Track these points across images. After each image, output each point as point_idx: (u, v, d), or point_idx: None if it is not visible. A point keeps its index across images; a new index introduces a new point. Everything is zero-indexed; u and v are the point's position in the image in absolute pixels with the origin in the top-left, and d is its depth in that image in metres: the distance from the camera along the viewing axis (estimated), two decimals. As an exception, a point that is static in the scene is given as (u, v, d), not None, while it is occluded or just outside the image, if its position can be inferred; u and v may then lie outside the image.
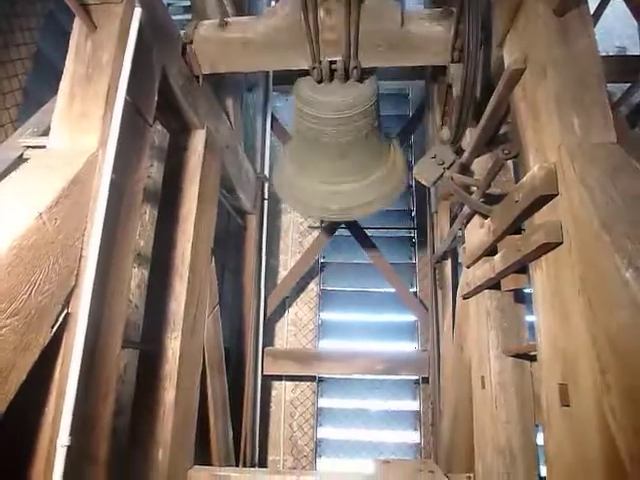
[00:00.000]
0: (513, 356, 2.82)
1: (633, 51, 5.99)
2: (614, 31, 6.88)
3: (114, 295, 2.23)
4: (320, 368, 5.57)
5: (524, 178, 2.08)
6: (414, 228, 6.16)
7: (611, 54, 6.65)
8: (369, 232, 5.94)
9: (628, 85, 3.21)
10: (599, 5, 3.08)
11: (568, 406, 1.80)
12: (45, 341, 1.78)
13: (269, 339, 5.83)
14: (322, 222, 6.12)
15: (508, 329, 2.93)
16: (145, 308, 3.21)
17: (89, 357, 1.98)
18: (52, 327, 1.82)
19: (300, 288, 6.08)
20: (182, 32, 3.20)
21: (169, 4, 5.87)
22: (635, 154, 2.85)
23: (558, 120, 1.93)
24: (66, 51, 2.34)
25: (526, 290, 2.78)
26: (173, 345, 3.00)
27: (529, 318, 2.82)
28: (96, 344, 2.10)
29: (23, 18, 3.85)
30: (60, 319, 1.87)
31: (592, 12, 2.91)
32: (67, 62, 2.29)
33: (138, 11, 2.33)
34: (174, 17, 4.86)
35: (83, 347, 1.91)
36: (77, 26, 2.32)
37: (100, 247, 1.99)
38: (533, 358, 2.72)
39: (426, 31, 3.01)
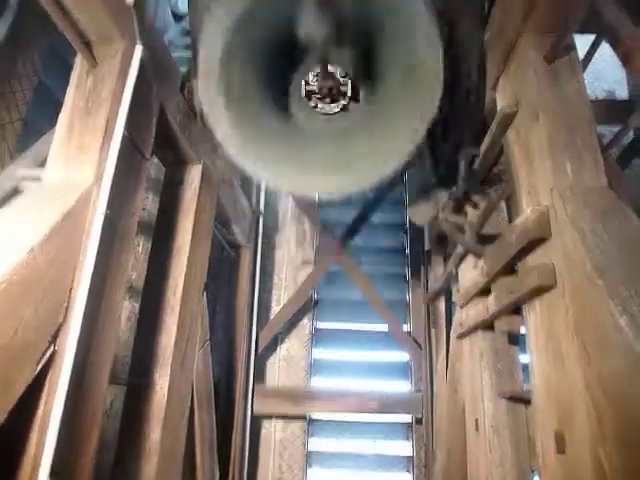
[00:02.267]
0: (507, 399, 2.78)
1: (621, 95, 6.16)
2: (603, 75, 7.08)
3: (103, 330, 2.20)
4: (311, 407, 5.45)
5: (517, 220, 2.09)
6: (408, 265, 6.16)
7: (600, 98, 6.84)
8: (362, 268, 5.93)
9: (617, 126, 3.29)
10: (588, 51, 3.18)
11: (564, 453, 1.76)
12: (29, 379, 1.74)
13: (260, 375, 5.72)
14: (316, 256, 6.11)
15: (502, 371, 2.89)
16: (135, 341, 3.16)
17: (74, 394, 1.93)
18: (37, 364, 1.78)
19: (292, 324, 6.01)
20: (182, 68, 3.27)
21: (170, 42, 6.01)
22: (625, 196, 2.90)
23: (551, 163, 1.96)
24: (67, 83, 2.37)
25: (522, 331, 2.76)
26: (162, 381, 2.94)
27: (523, 358, 2.79)
28: (82, 381, 2.05)
29: (26, 51, 3.91)
30: (46, 356, 1.83)
31: (581, 57, 3.03)
32: (67, 96, 2.32)
33: (139, 48, 2.38)
34: (175, 54, 4.99)
35: (68, 384, 1.86)
36: (79, 61, 2.37)
37: (91, 281, 1.97)
38: (528, 401, 2.67)
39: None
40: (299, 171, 1.98)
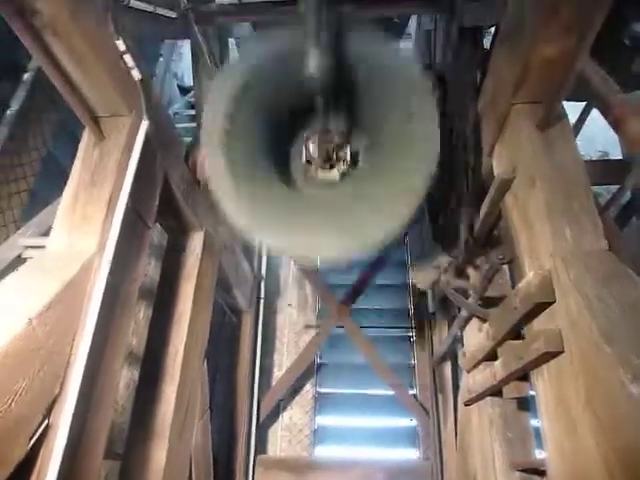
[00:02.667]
0: (521, 470, 2.65)
1: (614, 155, 6.31)
2: (596, 137, 7.30)
3: (100, 402, 2.14)
4: (315, 479, 5.21)
5: (520, 284, 2.08)
6: (412, 327, 6.08)
7: (594, 159, 7.01)
8: (366, 331, 5.85)
9: (612, 185, 3.34)
10: (579, 117, 3.29)
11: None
12: (21, 455, 1.67)
13: (261, 445, 5.51)
14: (318, 320, 6.05)
15: (513, 440, 2.78)
16: (132, 411, 3.07)
17: (67, 470, 1.86)
18: (30, 439, 1.71)
19: (295, 390, 5.85)
20: (186, 139, 3.38)
21: (175, 113, 6.26)
22: (626, 256, 2.90)
23: (550, 228, 1.97)
24: (74, 155, 2.44)
25: (531, 392, 2.68)
26: (159, 455, 2.83)
27: (534, 422, 2.69)
28: (76, 455, 1.97)
29: (37, 125, 4.06)
30: (39, 430, 1.77)
31: (573, 123, 3.12)
32: (74, 168, 2.38)
33: (145, 123, 2.47)
34: (181, 125, 5.18)
35: (61, 460, 1.79)
36: (86, 135, 2.44)
37: (89, 352, 1.94)
38: (542, 472, 2.55)
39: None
40: (301, 236, 2.01)
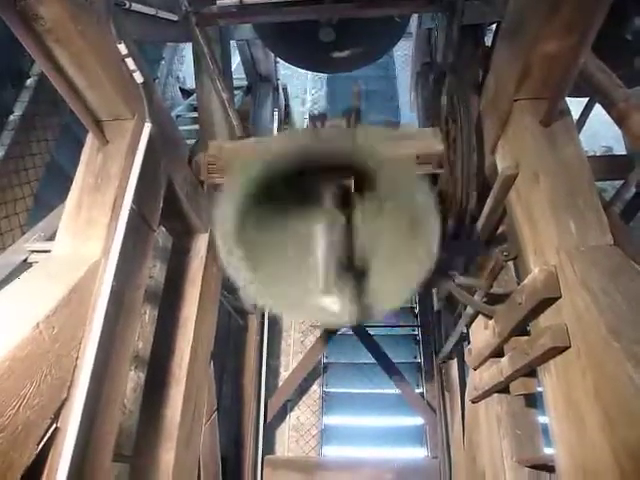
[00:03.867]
0: (529, 467, 2.64)
1: (618, 150, 6.29)
2: (599, 133, 7.28)
3: (107, 406, 2.14)
4: (324, 479, 5.21)
5: (525, 280, 2.08)
6: (418, 326, 6.08)
7: (598, 154, 6.99)
8: (372, 330, 5.84)
9: (616, 181, 3.33)
10: (582, 113, 3.29)
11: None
12: (29, 460, 1.67)
13: (269, 446, 5.52)
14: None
15: (521, 436, 2.77)
16: (139, 415, 3.08)
17: (76, 473, 1.86)
18: (38, 444, 1.72)
19: (302, 390, 5.86)
20: (189, 141, 3.38)
21: (178, 116, 6.27)
22: (633, 251, 2.88)
23: (555, 223, 1.96)
24: (78, 159, 2.44)
25: (538, 389, 2.67)
26: (167, 457, 2.84)
27: (542, 419, 2.68)
28: (84, 459, 1.98)
29: (40, 130, 4.08)
30: (48, 434, 1.77)
31: (577, 117, 3.11)
32: (77, 173, 2.38)
33: (148, 126, 2.47)
34: (183, 127, 5.19)
35: (70, 463, 1.79)
36: (89, 140, 2.44)
37: (96, 355, 1.94)
38: (551, 468, 2.54)
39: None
40: (316, 310, 2.10)
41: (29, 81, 4.04)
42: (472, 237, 2.87)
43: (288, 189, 2.06)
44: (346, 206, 2.03)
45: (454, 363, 4.56)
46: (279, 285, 2.10)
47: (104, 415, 2.11)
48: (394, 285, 2.02)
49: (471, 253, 3.00)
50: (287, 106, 7.04)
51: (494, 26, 3.06)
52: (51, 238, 2.76)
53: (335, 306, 2.03)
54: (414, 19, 4.85)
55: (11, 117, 3.84)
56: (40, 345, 1.72)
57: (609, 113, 2.58)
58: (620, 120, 2.49)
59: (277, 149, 2.00)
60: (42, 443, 1.75)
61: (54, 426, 1.81)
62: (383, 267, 2.08)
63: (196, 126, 5.03)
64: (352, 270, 2.05)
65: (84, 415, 1.86)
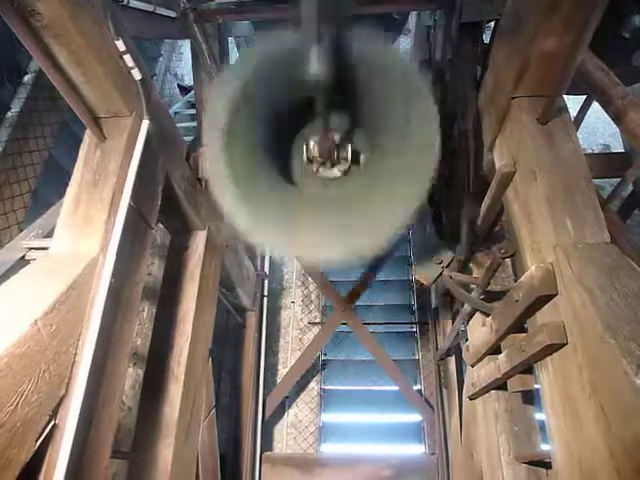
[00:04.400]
0: (527, 463, 2.65)
1: (616, 148, 6.30)
2: (597, 130, 7.31)
3: (106, 403, 2.15)
4: (322, 475, 5.23)
5: (522, 277, 2.08)
6: (416, 323, 6.09)
7: (596, 151, 7.01)
8: (370, 327, 5.85)
9: (614, 179, 3.34)
10: (580, 110, 3.29)
11: (590, 523, 1.66)
12: (28, 456, 1.68)
13: (267, 443, 5.53)
14: (322, 318, 6.06)
15: (519, 433, 2.78)
16: (138, 411, 3.08)
17: (74, 470, 1.87)
18: (36, 441, 1.72)
19: (300, 387, 5.87)
20: (187, 138, 3.38)
21: (176, 113, 6.26)
22: (630, 249, 2.89)
23: (551, 221, 1.97)
24: (76, 156, 2.44)
25: (536, 386, 2.69)
26: (165, 453, 2.84)
27: (539, 416, 2.69)
28: (82, 456, 1.98)
29: (38, 127, 4.07)
30: (46, 431, 1.77)
31: (575, 115, 3.11)
32: (75, 169, 2.38)
33: (146, 123, 2.47)
34: (181, 124, 5.18)
35: (68, 460, 1.79)
36: (87, 136, 2.44)
37: (94, 352, 1.94)
38: (548, 465, 2.56)
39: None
40: (303, 239, 1.99)
41: (27, 77, 4.02)
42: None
43: (281, 111, 1.99)
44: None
45: (452, 360, 4.57)
46: (264, 216, 1.98)
47: (102, 412, 2.12)
48: (385, 213, 1.91)
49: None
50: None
51: (492, 23, 3.06)
52: (49, 235, 2.77)
53: (329, 240, 1.92)
54: (413, 16, 4.84)
55: (8, 114, 3.83)
56: (38, 342, 1.72)
57: (606, 111, 2.59)
58: (617, 118, 2.50)
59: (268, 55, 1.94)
60: (40, 440, 1.76)
61: (52, 423, 1.82)
62: (374, 191, 2.00)
63: (194, 123, 5.03)
64: (345, 197, 1.97)
65: (82, 412, 1.86)
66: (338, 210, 2.04)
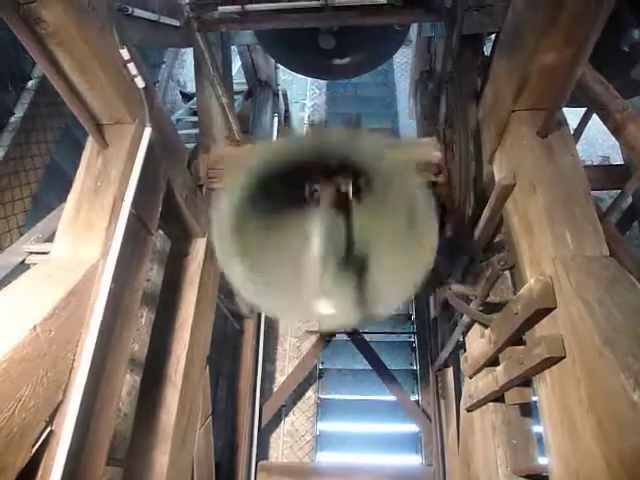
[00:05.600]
0: (524, 476, 2.64)
1: (616, 160, 6.32)
2: (597, 142, 7.33)
3: (103, 409, 2.14)
4: (318, 485, 5.20)
5: (521, 290, 2.09)
6: (414, 333, 6.07)
7: (595, 163, 7.03)
8: (368, 337, 5.84)
9: (613, 190, 3.35)
10: (580, 123, 3.31)
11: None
12: (23, 462, 1.67)
13: (263, 451, 5.50)
14: (320, 326, 6.04)
15: (516, 446, 2.78)
16: (134, 418, 3.07)
17: (69, 477, 1.86)
18: (32, 446, 1.72)
19: (297, 396, 5.85)
20: (189, 145, 3.40)
21: (178, 120, 6.29)
22: (629, 262, 2.90)
23: (551, 234, 1.98)
24: (78, 162, 2.44)
25: (533, 398, 2.68)
26: (161, 460, 2.83)
27: (537, 429, 2.68)
28: (78, 463, 1.98)
29: (40, 132, 4.09)
30: (42, 437, 1.77)
31: (575, 127, 3.13)
32: (77, 175, 2.38)
33: (148, 130, 2.48)
34: (183, 131, 5.21)
35: (64, 467, 1.79)
36: (90, 143, 2.45)
37: (92, 359, 1.94)
38: (546, 478, 2.54)
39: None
40: (313, 312, 2.08)
41: (30, 83, 4.05)
42: (470, 241, 2.88)
43: (286, 190, 2.05)
44: (344, 206, 2.02)
45: (450, 371, 4.55)
46: (276, 286, 2.07)
47: (99, 418, 2.11)
48: (392, 286, 2.00)
49: (470, 253, 2.99)
50: (287, 111, 7.06)
51: (494, 36, 3.09)
52: (49, 240, 2.77)
53: (332, 308, 2.02)
54: (414, 27, 4.88)
55: (12, 118, 3.85)
56: (37, 348, 1.72)
57: (605, 124, 2.60)
58: (617, 131, 2.52)
59: (276, 149, 2.01)
60: (37, 446, 1.75)
61: (49, 429, 1.81)
62: (381, 267, 2.07)
63: (196, 130, 5.05)
64: (350, 270, 2.05)
65: (79, 418, 1.86)
66: (351, 276, 2.09)
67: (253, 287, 2.01)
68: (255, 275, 2.01)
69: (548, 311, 1.92)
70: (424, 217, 1.87)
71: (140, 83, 2.39)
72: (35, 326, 1.72)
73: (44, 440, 1.80)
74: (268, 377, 5.84)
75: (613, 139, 2.74)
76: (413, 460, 5.52)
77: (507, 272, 3.03)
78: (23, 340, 1.66)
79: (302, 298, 2.04)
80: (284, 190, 2.05)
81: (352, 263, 2.04)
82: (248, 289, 2.01)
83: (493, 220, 2.57)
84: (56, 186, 3.63)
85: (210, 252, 3.50)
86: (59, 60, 2.08)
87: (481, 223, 2.66)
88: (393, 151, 2.15)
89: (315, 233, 1.99)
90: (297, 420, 5.79)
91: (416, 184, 1.89)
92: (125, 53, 2.25)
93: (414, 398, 5.73)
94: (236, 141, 3.41)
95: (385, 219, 2.08)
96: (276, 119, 6.15)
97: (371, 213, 2.11)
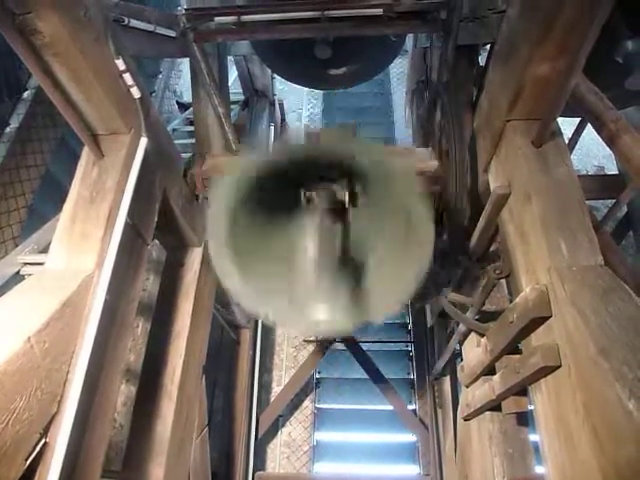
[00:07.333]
0: (521, 486, 2.64)
1: (611, 169, 6.36)
2: (592, 152, 7.37)
3: (97, 421, 2.12)
4: (315, 496, 5.16)
5: (517, 299, 2.09)
6: (411, 342, 6.06)
7: (590, 173, 7.07)
8: (365, 346, 5.83)
9: (608, 200, 3.36)
10: (574, 133, 3.33)
11: None
12: (17, 475, 1.65)
13: (260, 462, 5.46)
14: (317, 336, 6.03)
15: (513, 455, 2.77)
16: (130, 429, 3.04)
17: (64, 490, 1.84)
18: (26, 459, 1.70)
19: (294, 406, 5.82)
20: (185, 155, 3.40)
21: (174, 129, 6.30)
22: (624, 271, 2.91)
23: (546, 243, 1.98)
24: (73, 172, 2.43)
25: (530, 407, 2.67)
26: (157, 471, 2.81)
27: (534, 437, 2.67)
28: (73, 474, 1.96)
29: (36, 142, 4.09)
30: (36, 450, 1.75)
31: (569, 137, 3.15)
32: (72, 186, 2.38)
33: (144, 140, 2.48)
34: (179, 141, 5.21)
35: (58, 479, 1.77)
36: (85, 153, 2.44)
37: (87, 370, 1.93)
38: (542, 487, 2.54)
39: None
40: (306, 314, 2.05)
41: (26, 93, 4.05)
42: (466, 250, 2.89)
43: (282, 196, 2.05)
44: (340, 212, 2.02)
45: (447, 380, 4.54)
46: (273, 294, 2.05)
47: (94, 430, 2.10)
48: (387, 291, 1.99)
49: (466, 262, 3.00)
50: (283, 121, 7.09)
51: (489, 46, 3.12)
52: (44, 250, 2.76)
53: (329, 314, 2.00)
54: (410, 37, 4.92)
55: (7, 129, 3.85)
56: (31, 359, 1.71)
57: (600, 134, 2.62)
58: (611, 141, 2.53)
59: (271, 155, 2.01)
60: (30, 458, 1.74)
61: (43, 441, 1.80)
62: (377, 273, 2.07)
63: (192, 140, 5.04)
64: (346, 275, 2.04)
65: (74, 430, 1.84)
66: (347, 281, 2.08)
67: (250, 295, 2.00)
68: (252, 283, 1.99)
69: (544, 320, 1.93)
70: (420, 223, 1.87)
71: (136, 93, 2.39)
72: (29, 337, 1.70)
73: (38, 452, 1.78)
74: (265, 387, 5.81)
75: (608, 149, 2.76)
76: (410, 470, 5.49)
77: (503, 281, 3.04)
78: (17, 351, 1.65)
79: (299, 304, 2.02)
80: (280, 197, 2.05)
81: (348, 269, 2.04)
82: (245, 297, 1.99)
83: (489, 229, 2.58)
84: (52, 197, 3.62)
85: (206, 261, 3.49)
86: (54, 71, 2.08)
87: (477, 232, 2.67)
88: (391, 156, 2.15)
89: (311, 240, 1.99)
90: (294, 430, 5.76)
91: (414, 189, 1.89)
92: (121, 63, 2.26)
93: (411, 407, 5.71)
94: (232, 151, 3.42)
95: (381, 224, 2.08)
96: (272, 129, 6.17)
97: (368, 218, 2.11)
